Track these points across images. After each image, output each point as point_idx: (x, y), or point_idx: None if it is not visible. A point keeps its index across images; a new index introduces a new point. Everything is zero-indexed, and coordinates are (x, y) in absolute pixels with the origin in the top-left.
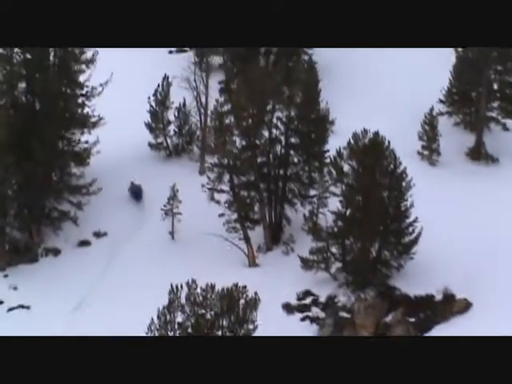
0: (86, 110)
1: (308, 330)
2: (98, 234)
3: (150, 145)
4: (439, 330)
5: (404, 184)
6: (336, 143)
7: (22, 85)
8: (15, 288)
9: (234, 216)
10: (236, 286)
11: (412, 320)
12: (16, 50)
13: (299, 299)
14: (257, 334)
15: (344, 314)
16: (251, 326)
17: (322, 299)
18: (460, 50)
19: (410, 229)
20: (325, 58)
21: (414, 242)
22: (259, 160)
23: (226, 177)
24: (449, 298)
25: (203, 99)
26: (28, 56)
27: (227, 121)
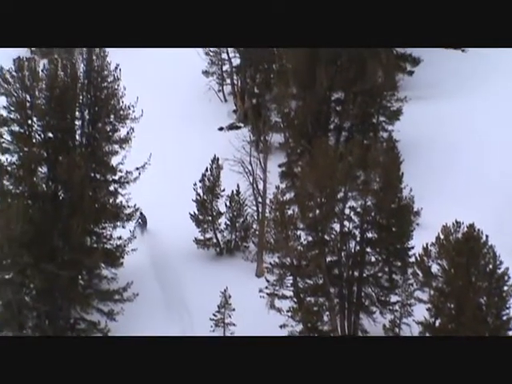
0: (120, 199)
1: None
2: None
3: (197, 241)
4: None
5: (506, 288)
6: (422, 238)
7: (43, 170)
8: None
9: (299, 327)
10: None
11: None
12: (36, 127)
13: None
14: None
15: None
16: None
17: None
18: None
19: None
20: (408, 135)
21: None
22: (329, 259)
23: (289, 280)
24: None
25: (261, 186)
26: (49, 135)
27: (290, 211)
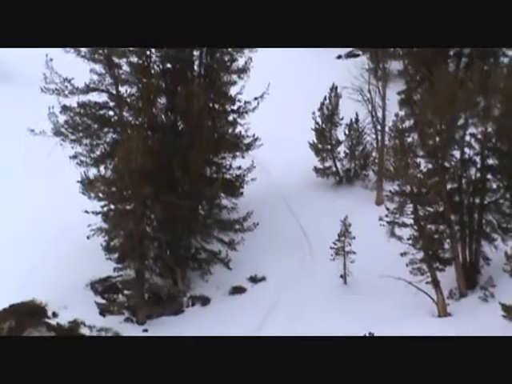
0: (239, 128)
1: None
2: (254, 279)
3: (316, 169)
4: None
5: None
6: None
7: (162, 100)
8: None
9: (420, 255)
10: None
11: None
12: (154, 58)
13: None
14: None
15: None
16: None
17: None
18: None
19: None
20: None
21: None
22: (449, 186)
23: (409, 207)
24: None
25: (380, 113)
26: (168, 66)
27: (409, 139)
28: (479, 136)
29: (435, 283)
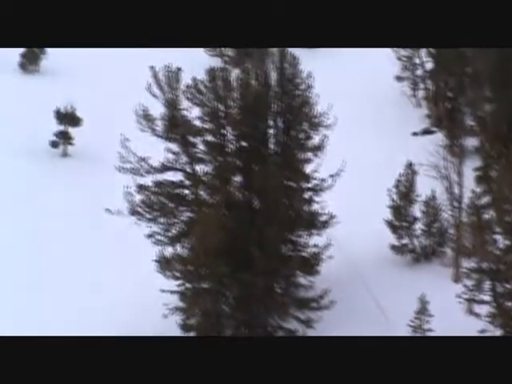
0: (314, 206)
1: None
2: None
3: (393, 247)
4: None
5: None
6: None
7: (237, 178)
8: None
9: (499, 332)
10: None
11: None
12: (229, 137)
13: None
14: None
15: None
16: None
17: None
18: None
19: None
20: None
21: None
22: None
23: (487, 284)
24: None
25: (456, 190)
26: (243, 144)
27: (487, 216)
28: None
29: None
